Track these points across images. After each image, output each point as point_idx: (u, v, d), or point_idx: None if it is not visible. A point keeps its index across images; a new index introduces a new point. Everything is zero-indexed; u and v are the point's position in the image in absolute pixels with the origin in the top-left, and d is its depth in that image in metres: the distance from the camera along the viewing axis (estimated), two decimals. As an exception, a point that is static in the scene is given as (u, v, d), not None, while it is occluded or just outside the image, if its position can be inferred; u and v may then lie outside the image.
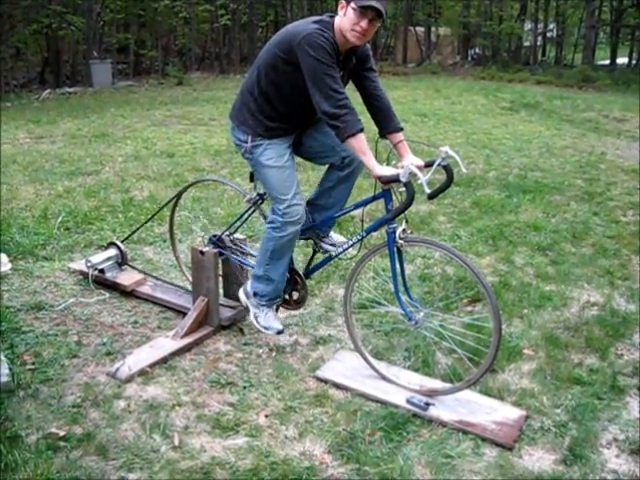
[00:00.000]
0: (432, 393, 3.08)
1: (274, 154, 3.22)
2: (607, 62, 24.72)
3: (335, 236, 3.62)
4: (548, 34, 26.62)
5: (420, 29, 24.95)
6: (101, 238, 5.02)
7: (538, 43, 26.35)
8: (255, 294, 3.47)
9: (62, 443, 2.69)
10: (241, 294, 3.58)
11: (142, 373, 3.22)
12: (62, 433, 2.75)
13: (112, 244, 4.37)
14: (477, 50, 26.78)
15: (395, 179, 2.87)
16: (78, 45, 18.25)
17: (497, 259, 4.84)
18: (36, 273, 4.38)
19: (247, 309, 3.55)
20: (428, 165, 2.99)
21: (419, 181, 2.81)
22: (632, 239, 5.34)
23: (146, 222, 4.61)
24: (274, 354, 3.48)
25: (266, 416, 2.94)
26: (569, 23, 26.10)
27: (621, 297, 4.26)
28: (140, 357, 3.33)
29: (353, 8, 2.88)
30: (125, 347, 3.51)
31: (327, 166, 3.48)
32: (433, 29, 25.56)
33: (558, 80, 19.68)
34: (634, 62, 25.41)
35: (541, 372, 3.34)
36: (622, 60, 25.18)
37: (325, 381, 3.21)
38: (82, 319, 3.80)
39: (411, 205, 2.90)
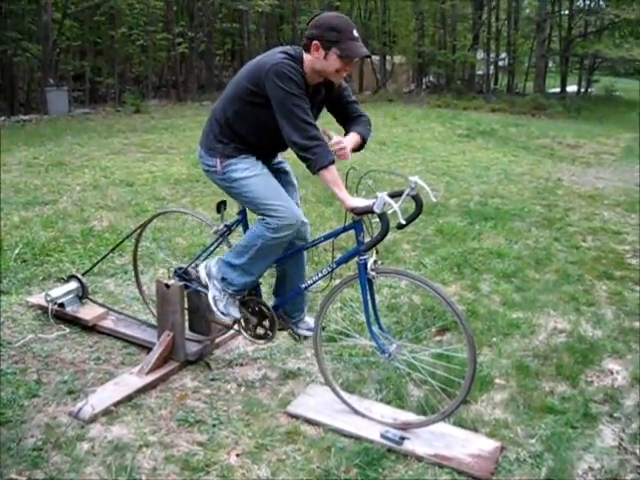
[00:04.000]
0: (406, 426, 3.03)
1: (247, 165, 3.12)
2: (558, 90, 25.53)
3: (310, 320, 3.48)
4: (500, 63, 27.36)
5: (375, 58, 25.35)
6: (60, 270, 4.87)
7: (490, 72, 27.03)
8: (223, 279, 3.27)
9: (23, 490, 2.56)
10: (202, 270, 3.37)
11: (106, 412, 3.09)
12: (23, 479, 2.62)
13: (72, 277, 4.24)
14: (431, 78, 27.35)
15: (369, 210, 2.84)
16: (33, 72, 18.00)
17: (463, 287, 4.85)
18: (-8, 308, 4.22)
19: (205, 287, 3.37)
20: (397, 195, 2.97)
21: (390, 210, 2.79)
22: (594, 264, 5.42)
23: (108, 253, 4.49)
24: (243, 389, 3.39)
25: (237, 455, 2.84)
26: (520, 52, 26.88)
27: (587, 323, 4.29)
28: (104, 395, 3.21)
29: (340, 56, 2.88)
30: (87, 385, 3.37)
31: None
32: (388, 58, 26.01)
33: (511, 108, 20.24)
34: (583, 90, 26.31)
35: (514, 402, 3.32)
36: (572, 88, 26.11)
37: (296, 417, 3.12)
38: (42, 356, 3.65)
39: (386, 236, 2.88)
